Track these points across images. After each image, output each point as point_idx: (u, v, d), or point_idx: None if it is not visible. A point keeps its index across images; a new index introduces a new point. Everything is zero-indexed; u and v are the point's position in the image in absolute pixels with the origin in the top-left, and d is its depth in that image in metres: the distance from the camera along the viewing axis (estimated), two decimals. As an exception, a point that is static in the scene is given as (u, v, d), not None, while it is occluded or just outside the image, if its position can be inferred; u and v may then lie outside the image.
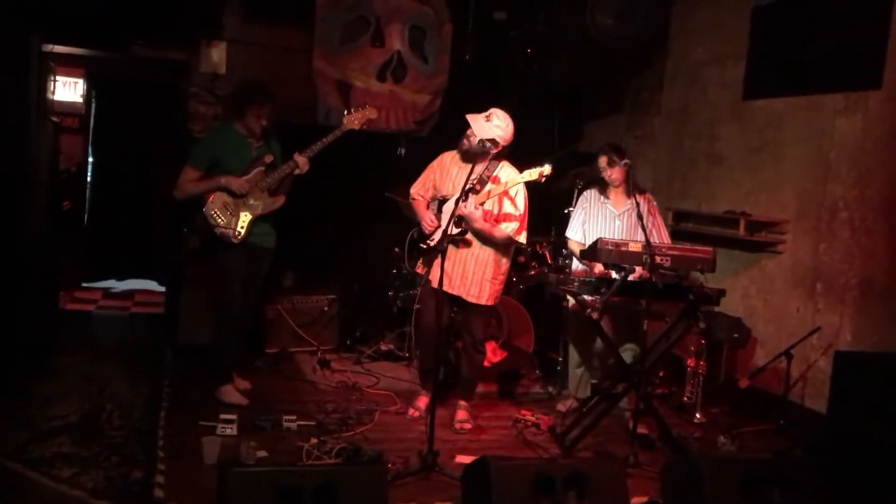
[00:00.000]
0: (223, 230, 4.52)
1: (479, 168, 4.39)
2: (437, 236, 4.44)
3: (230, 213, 4.54)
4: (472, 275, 4.47)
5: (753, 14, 5.59)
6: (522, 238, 4.48)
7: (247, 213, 4.56)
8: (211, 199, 4.53)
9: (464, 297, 4.48)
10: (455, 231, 4.29)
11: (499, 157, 4.47)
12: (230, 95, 4.77)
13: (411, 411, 4.68)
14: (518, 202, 4.43)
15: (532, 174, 4.25)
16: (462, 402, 4.70)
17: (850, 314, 4.75)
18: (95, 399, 4.74)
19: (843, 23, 4.86)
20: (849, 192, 4.81)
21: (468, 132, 4.40)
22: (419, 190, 4.67)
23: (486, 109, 4.46)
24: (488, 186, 4.39)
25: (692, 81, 6.25)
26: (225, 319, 4.66)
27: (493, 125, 4.37)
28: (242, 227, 4.55)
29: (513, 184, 4.32)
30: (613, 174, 4.71)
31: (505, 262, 4.57)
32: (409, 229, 4.76)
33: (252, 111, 4.54)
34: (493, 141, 4.37)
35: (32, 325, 5.56)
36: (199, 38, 6.19)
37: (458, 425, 4.53)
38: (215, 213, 4.52)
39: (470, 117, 4.41)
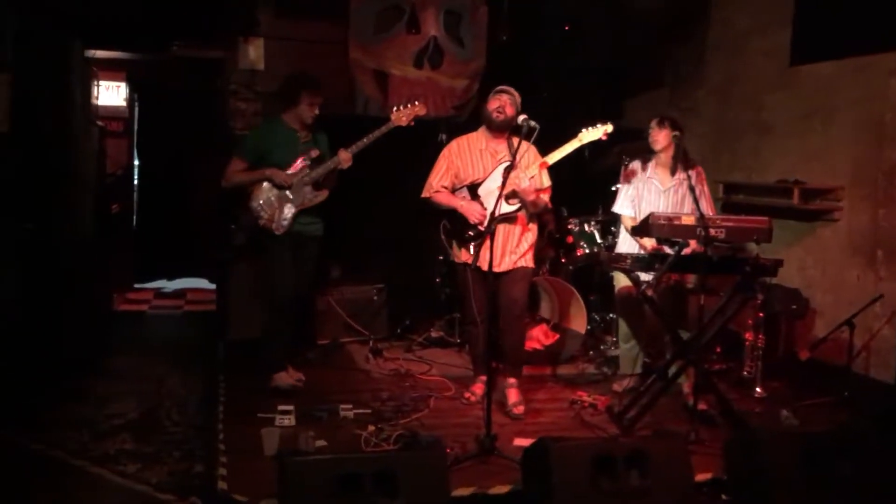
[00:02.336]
0: (266, 222, 4.58)
1: (503, 144, 4.46)
2: (486, 219, 4.41)
3: (274, 206, 4.59)
4: (518, 245, 4.46)
5: (798, -23, 5.44)
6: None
7: (290, 206, 4.60)
8: (256, 191, 4.59)
9: (510, 267, 4.43)
10: (511, 209, 4.32)
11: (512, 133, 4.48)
12: (280, 87, 4.79)
13: (467, 395, 4.65)
14: (546, 174, 4.49)
15: (595, 133, 4.27)
16: (511, 380, 4.57)
17: (913, 280, 4.61)
18: (153, 397, 4.83)
19: (893, -22, 4.70)
20: (907, 154, 4.66)
21: (500, 105, 4.39)
22: (440, 181, 4.56)
23: (525, 91, 4.43)
24: (527, 159, 4.36)
25: (735, 51, 6.10)
26: (274, 309, 4.69)
27: (517, 96, 4.43)
28: (286, 220, 4.59)
29: (569, 149, 4.30)
30: (658, 136, 4.61)
31: (537, 228, 4.64)
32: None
33: (306, 98, 4.59)
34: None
35: (87, 328, 5.66)
36: (236, 35, 6.25)
37: (513, 410, 4.45)
38: (260, 205, 4.58)
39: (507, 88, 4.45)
